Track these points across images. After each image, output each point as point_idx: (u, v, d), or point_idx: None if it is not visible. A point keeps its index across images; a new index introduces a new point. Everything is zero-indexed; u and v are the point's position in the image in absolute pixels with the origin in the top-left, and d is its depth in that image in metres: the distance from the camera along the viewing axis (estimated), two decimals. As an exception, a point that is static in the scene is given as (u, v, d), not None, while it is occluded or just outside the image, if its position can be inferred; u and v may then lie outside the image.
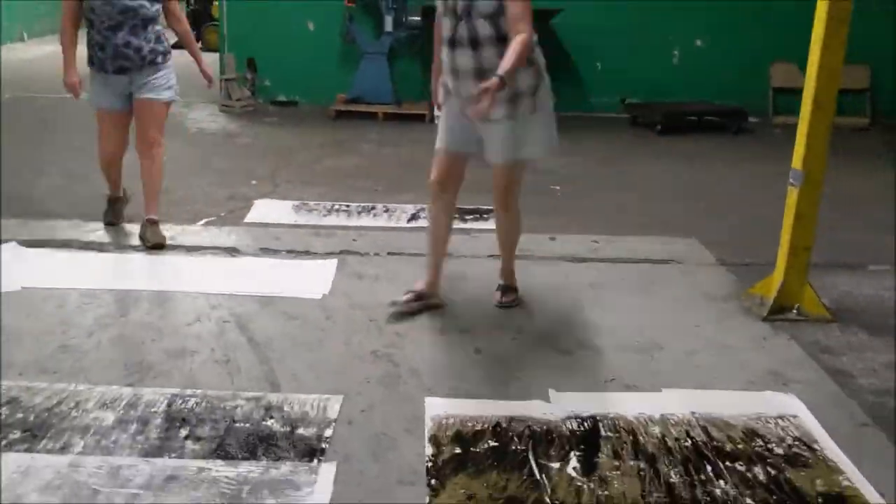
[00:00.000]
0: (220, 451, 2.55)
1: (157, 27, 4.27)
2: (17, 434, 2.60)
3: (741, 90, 8.51)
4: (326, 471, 2.47)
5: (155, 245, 4.27)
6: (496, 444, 2.66)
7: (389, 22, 7.99)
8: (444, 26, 3.35)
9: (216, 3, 11.87)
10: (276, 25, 8.33)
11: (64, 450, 2.53)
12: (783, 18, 8.35)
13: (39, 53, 11.93)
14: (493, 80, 3.06)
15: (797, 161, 3.60)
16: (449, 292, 3.80)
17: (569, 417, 2.82)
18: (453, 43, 3.29)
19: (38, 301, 3.61)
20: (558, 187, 5.82)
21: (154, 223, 4.37)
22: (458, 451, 2.61)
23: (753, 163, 6.86)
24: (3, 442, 2.56)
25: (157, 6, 4.22)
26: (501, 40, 3.19)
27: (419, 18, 8.01)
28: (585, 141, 7.43)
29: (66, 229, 4.54)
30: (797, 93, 8.46)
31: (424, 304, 3.64)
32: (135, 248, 4.33)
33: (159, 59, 4.29)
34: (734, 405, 2.96)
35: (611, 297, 3.92)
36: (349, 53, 8.33)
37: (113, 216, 4.61)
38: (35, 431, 2.62)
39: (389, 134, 7.57)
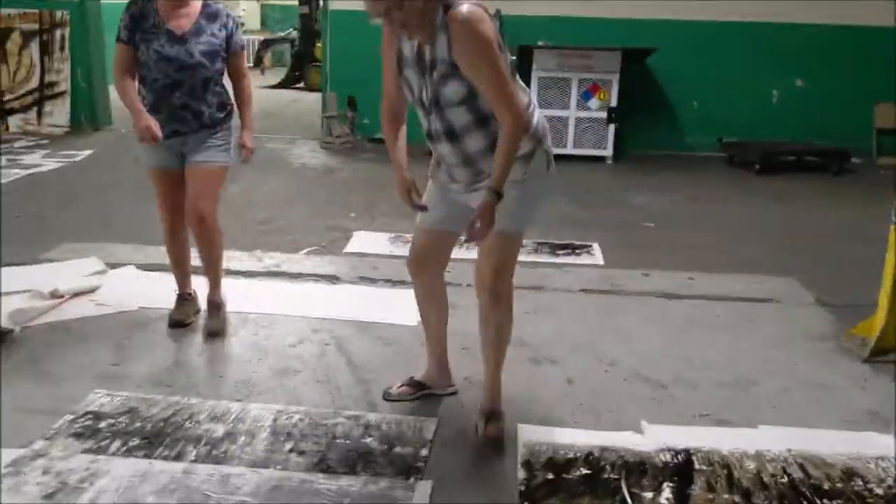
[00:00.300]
0: (322, 465, 2.67)
1: (218, 87, 3.65)
2: (136, 441, 2.79)
3: (843, 131, 8.32)
4: (423, 488, 2.56)
5: (211, 333, 3.69)
6: (588, 471, 2.69)
7: (485, 62, 8.18)
8: (418, 114, 2.82)
9: (319, 44, 12.41)
10: (376, 66, 8.59)
11: (178, 457, 2.69)
12: (885, 59, 8.19)
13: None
14: (486, 202, 2.56)
15: (901, 200, 3.54)
16: (537, 326, 3.85)
17: (662, 450, 2.83)
18: (430, 136, 2.76)
19: (152, 320, 3.85)
20: (651, 224, 5.82)
21: (215, 306, 3.82)
22: (550, 476, 2.66)
23: (854, 204, 6.70)
24: (124, 448, 2.75)
25: (220, 64, 3.61)
26: (483, 122, 2.63)
27: (514, 58, 8.17)
28: (680, 179, 7.41)
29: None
30: (903, 133, 8.37)
31: (421, 394, 3.19)
32: (243, 274, 4.55)
33: (219, 121, 3.67)
34: (832, 444, 2.90)
35: (706, 333, 3.90)
36: (445, 92, 8.55)
37: (180, 314, 3.83)
38: (152, 440, 2.80)
39: (483, 170, 7.70)
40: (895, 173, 7.68)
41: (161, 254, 4.75)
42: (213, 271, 3.84)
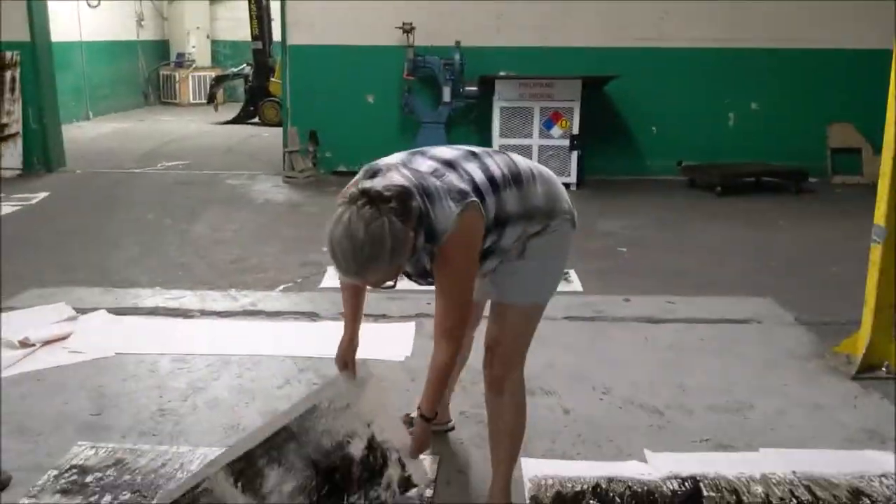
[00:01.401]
0: (326, 511, 2.58)
1: None
2: (126, 495, 2.66)
3: (798, 151, 8.50)
4: (433, 530, 2.48)
5: None
6: (598, 504, 2.65)
7: (447, 93, 8.21)
8: None
9: (274, 80, 12.34)
10: (336, 99, 8.59)
11: (174, 510, 2.57)
12: (838, 80, 8.42)
13: (103, 131, 12.41)
14: (421, 426, 2.39)
15: (879, 217, 3.60)
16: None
17: (669, 478, 2.80)
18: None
19: (131, 367, 3.72)
20: (624, 248, 5.84)
21: None
22: (560, 511, 2.61)
23: (817, 222, 6.83)
24: (115, 502, 2.62)
25: None
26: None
27: (476, 88, 8.23)
28: (645, 204, 7.47)
29: (150, 297, 4.68)
30: (856, 152, 8.58)
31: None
32: (219, 315, 4.44)
33: None
34: (834, 464, 2.91)
35: (693, 357, 3.90)
36: (408, 124, 8.54)
37: None
38: (144, 492, 2.68)
39: (449, 201, 7.68)
40: (851, 192, 7.89)
41: (131, 297, 4.65)
42: None
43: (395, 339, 4.08)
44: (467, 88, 8.24)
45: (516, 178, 2.40)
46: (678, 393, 3.50)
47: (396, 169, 2.30)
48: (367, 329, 4.19)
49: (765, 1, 8.25)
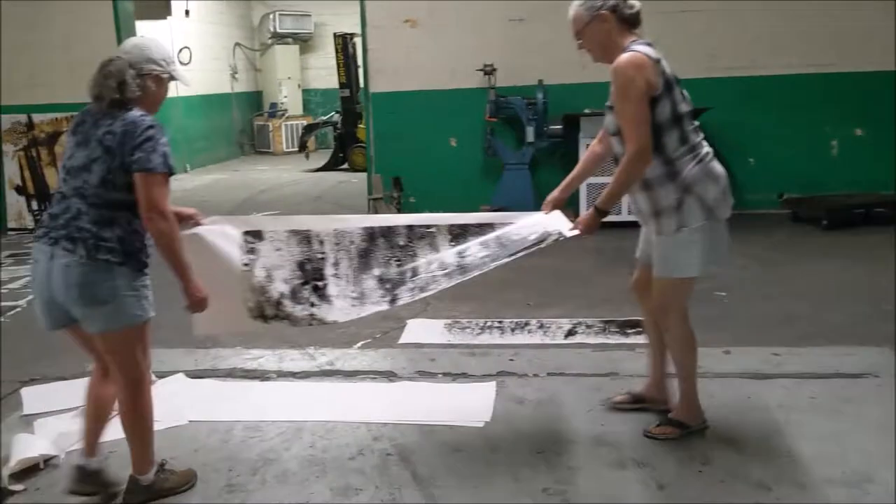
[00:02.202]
0: None
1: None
2: (187, 585, 2.53)
3: (908, 179, 7.93)
4: None
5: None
6: None
7: (531, 133, 8.01)
8: None
9: (362, 126, 12.43)
10: (420, 144, 8.53)
11: None
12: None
13: (201, 182, 12.74)
14: (588, 213, 3.21)
15: None
16: (616, 422, 3.54)
17: (778, 569, 2.48)
18: (615, 160, 3.30)
19: (203, 436, 3.62)
20: (724, 293, 5.47)
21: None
22: None
23: (936, 257, 6.28)
24: None
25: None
26: (654, 151, 3.14)
27: (560, 127, 8.00)
28: (745, 240, 7.01)
29: (229, 357, 4.62)
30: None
31: (640, 406, 3.62)
32: (295, 376, 4.33)
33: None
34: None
35: (803, 419, 3.53)
36: (491, 166, 8.38)
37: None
38: (204, 581, 2.54)
39: (536, 244, 7.45)
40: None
41: (211, 358, 4.59)
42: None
43: (473, 401, 3.86)
44: (551, 128, 8.02)
45: None
46: (786, 463, 3.15)
47: None
48: (442, 389, 4.05)
49: (859, 23, 7.78)
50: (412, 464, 3.27)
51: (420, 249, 3.48)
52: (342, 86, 13.39)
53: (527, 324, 5.05)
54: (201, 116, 14.58)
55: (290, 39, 16.95)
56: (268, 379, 4.31)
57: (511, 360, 4.44)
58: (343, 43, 13.29)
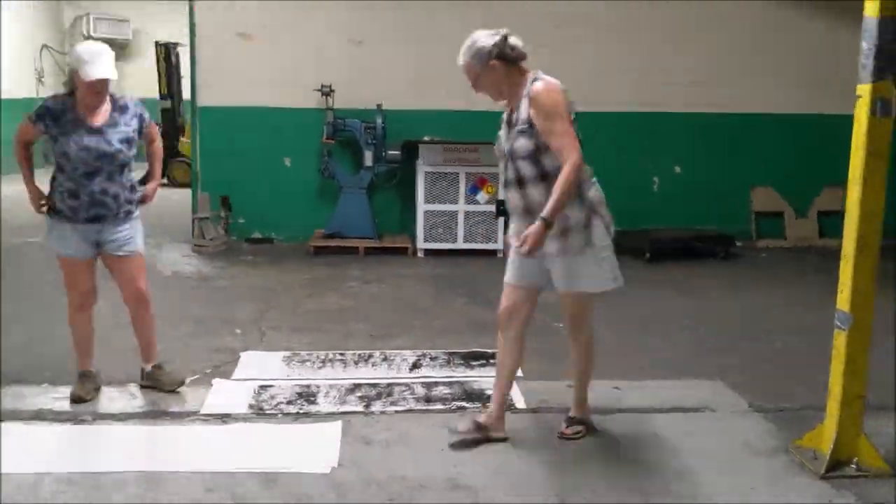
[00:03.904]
0: None
1: (132, 174, 4.12)
2: None
3: (723, 215, 8.47)
4: None
5: (179, 384, 4.21)
6: None
7: (369, 157, 7.85)
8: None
9: (185, 139, 11.80)
10: (252, 162, 8.14)
11: None
12: (760, 144, 8.46)
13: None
14: (536, 225, 3.24)
15: (843, 303, 3.37)
16: (471, 462, 3.41)
17: None
18: (506, 184, 3.52)
19: (11, 492, 3.13)
20: (563, 324, 5.51)
21: (161, 367, 4.29)
22: None
23: (749, 289, 6.72)
24: None
25: (134, 150, 4.04)
26: (544, 178, 3.35)
27: (398, 153, 7.89)
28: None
29: (35, 396, 4.10)
30: (779, 216, 8.61)
31: (485, 436, 3.60)
32: (114, 418, 3.89)
33: (134, 208, 4.14)
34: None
35: (650, 456, 3.57)
36: (327, 189, 8.13)
37: (82, 392, 4.07)
38: None
39: (373, 269, 7.28)
40: (776, 256, 7.84)
41: (13, 396, 4.03)
42: (153, 339, 4.31)
43: (317, 444, 3.62)
44: (390, 153, 7.90)
45: None
46: (639, 499, 3.15)
47: None
48: (283, 431, 3.77)
49: (684, 66, 8.26)
50: (253, 518, 2.98)
51: None
52: (163, 97, 12.67)
53: (370, 356, 4.85)
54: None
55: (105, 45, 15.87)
56: (82, 422, 3.84)
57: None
58: (166, 52, 12.58)
